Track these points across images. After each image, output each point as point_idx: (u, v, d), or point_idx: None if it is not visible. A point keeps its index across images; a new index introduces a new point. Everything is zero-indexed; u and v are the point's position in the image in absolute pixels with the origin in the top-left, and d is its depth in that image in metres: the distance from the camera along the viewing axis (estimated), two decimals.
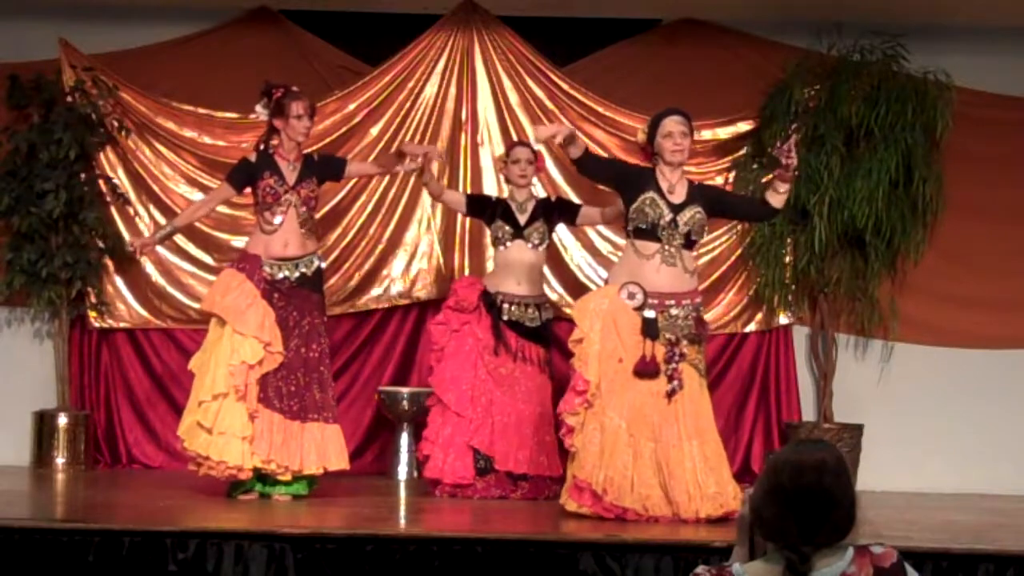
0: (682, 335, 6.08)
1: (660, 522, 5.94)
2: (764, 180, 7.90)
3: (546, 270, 7.90)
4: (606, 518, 5.95)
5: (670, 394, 6.03)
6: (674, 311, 6.08)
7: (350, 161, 7.12)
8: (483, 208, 7.29)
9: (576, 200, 7.61)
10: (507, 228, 7.15)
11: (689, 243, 6.16)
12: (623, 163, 6.45)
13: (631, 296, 6.04)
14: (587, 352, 6.03)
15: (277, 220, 6.65)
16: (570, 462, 6.16)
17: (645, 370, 6.01)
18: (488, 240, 7.55)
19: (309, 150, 7.05)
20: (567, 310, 7.94)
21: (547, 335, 7.23)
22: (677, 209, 6.13)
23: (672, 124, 6.17)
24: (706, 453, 6.07)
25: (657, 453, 6.02)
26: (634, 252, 6.15)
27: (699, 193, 6.24)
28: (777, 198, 6.18)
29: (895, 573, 2.63)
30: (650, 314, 6.04)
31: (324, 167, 6.84)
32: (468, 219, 7.96)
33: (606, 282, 6.36)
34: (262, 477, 6.59)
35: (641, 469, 5.99)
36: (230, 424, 6.43)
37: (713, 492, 5.99)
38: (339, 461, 6.67)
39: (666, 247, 6.10)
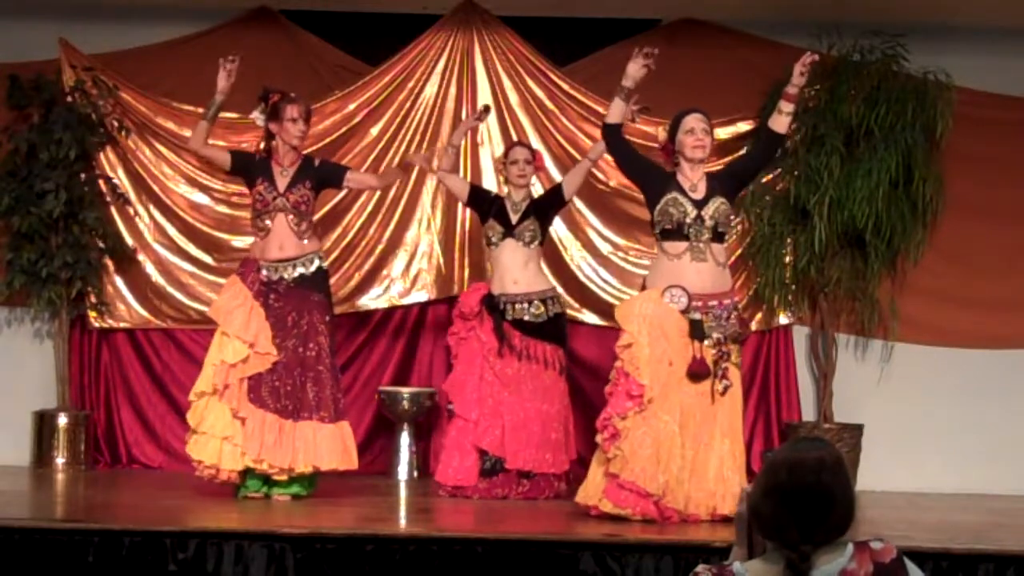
0: (727, 335, 6.12)
1: (678, 522, 5.96)
2: (764, 180, 7.92)
3: (546, 270, 7.89)
4: (653, 518, 5.95)
5: (722, 393, 6.08)
6: (718, 311, 6.12)
7: (352, 170, 7.09)
8: (481, 202, 7.32)
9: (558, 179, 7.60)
10: (498, 228, 7.17)
11: (717, 236, 6.19)
12: (650, 160, 6.46)
13: (675, 299, 6.07)
14: (637, 357, 6.03)
15: (267, 223, 6.68)
16: (604, 463, 6.10)
17: (698, 371, 6.06)
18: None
19: (309, 150, 7.05)
20: (571, 311, 7.95)
21: (557, 331, 7.19)
22: (700, 204, 6.18)
23: (694, 121, 6.25)
24: (735, 452, 6.14)
25: (687, 452, 6.05)
26: (664, 255, 6.21)
27: (718, 183, 6.28)
28: (780, 120, 6.21)
29: (895, 568, 2.64)
30: (696, 316, 6.08)
31: (323, 173, 6.84)
32: (468, 220, 7.97)
33: (643, 287, 6.37)
34: (265, 478, 6.59)
35: (683, 472, 6.04)
36: (212, 424, 6.46)
37: (737, 491, 6.01)
38: (332, 460, 6.63)
39: (694, 243, 6.14)
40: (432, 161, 7.25)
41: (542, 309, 7.12)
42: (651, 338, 6.03)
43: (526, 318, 7.09)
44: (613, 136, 6.34)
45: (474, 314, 7.11)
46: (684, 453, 6.04)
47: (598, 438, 6.14)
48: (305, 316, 6.67)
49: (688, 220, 6.15)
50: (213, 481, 6.54)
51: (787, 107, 6.18)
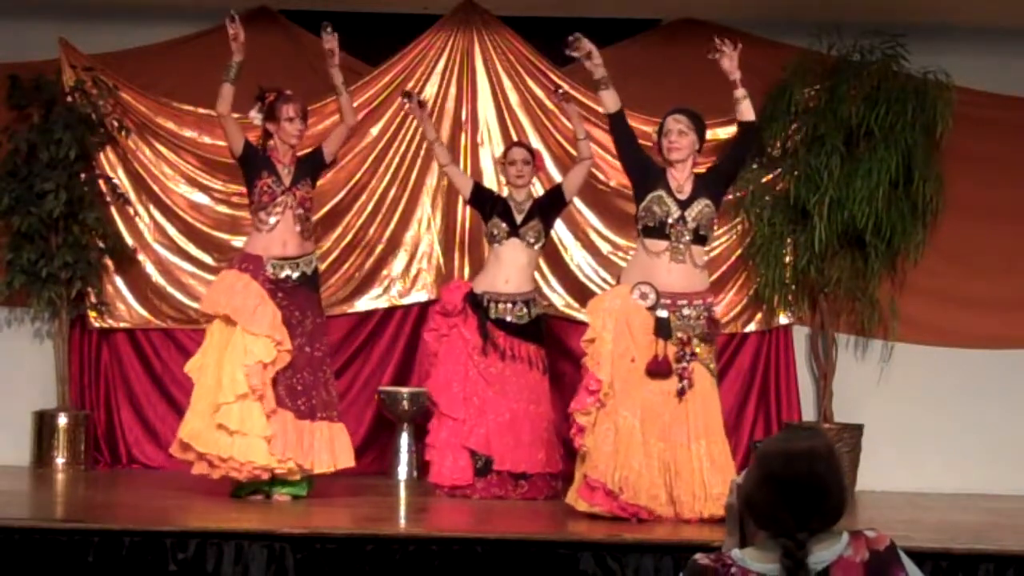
0: (694, 334, 6.13)
1: (663, 522, 5.96)
2: (764, 180, 7.93)
3: (546, 270, 7.91)
4: (620, 517, 5.98)
5: (680, 393, 6.07)
6: (686, 311, 6.14)
7: (325, 144, 7.02)
8: (484, 201, 7.32)
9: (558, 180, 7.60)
10: (503, 226, 7.17)
11: (698, 238, 6.21)
12: (648, 156, 6.48)
13: (643, 296, 6.10)
14: (599, 352, 6.07)
15: (272, 220, 6.68)
16: (580, 462, 6.18)
17: (658, 370, 6.06)
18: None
19: (308, 151, 7.06)
20: (566, 310, 7.96)
21: (539, 332, 7.21)
22: (684, 205, 6.20)
23: (671, 122, 6.30)
24: (713, 453, 6.11)
25: (665, 453, 6.05)
26: (644, 251, 6.25)
27: (703, 184, 6.31)
28: (741, 108, 6.27)
29: (889, 556, 2.66)
30: (663, 314, 6.09)
31: (310, 162, 6.87)
32: (468, 220, 7.97)
33: (618, 282, 6.40)
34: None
35: (651, 469, 6.02)
36: (252, 425, 6.44)
37: (717, 492, 6.00)
38: (347, 459, 6.70)
39: (675, 243, 6.16)
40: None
41: (525, 311, 7.13)
42: (616, 333, 6.07)
43: (508, 318, 7.10)
44: (619, 123, 6.40)
45: (457, 311, 7.12)
46: (649, 451, 6.03)
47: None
48: (308, 316, 6.71)
49: (671, 220, 6.18)
50: (251, 480, 6.52)
51: (737, 92, 6.27)
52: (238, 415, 6.45)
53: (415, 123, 8.10)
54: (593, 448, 6.04)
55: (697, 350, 6.14)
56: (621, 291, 6.20)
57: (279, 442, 6.48)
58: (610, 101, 6.37)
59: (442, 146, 7.44)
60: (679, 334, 6.11)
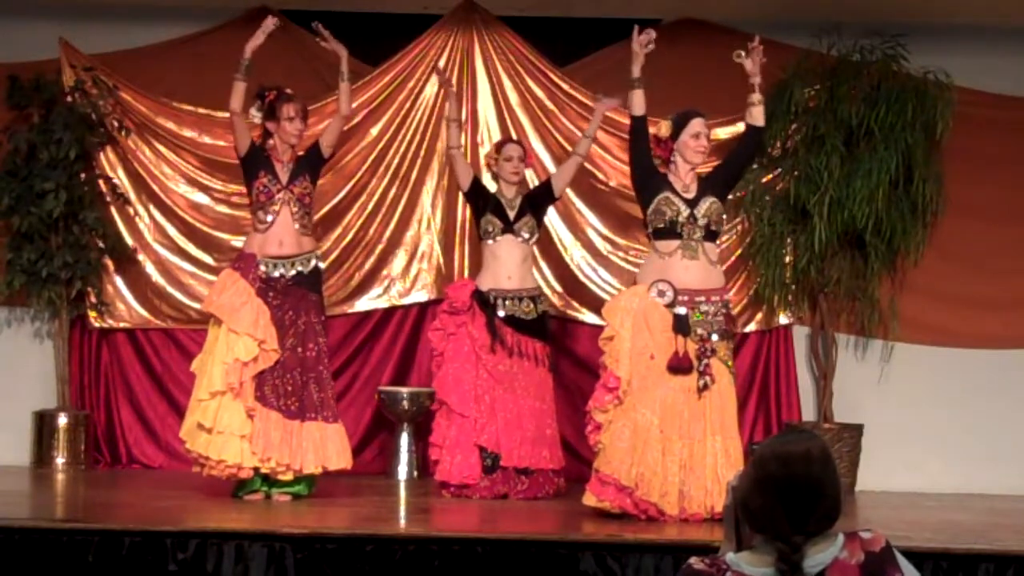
0: (713, 331, 6.16)
1: (666, 521, 5.97)
2: (764, 180, 7.93)
3: (546, 270, 7.93)
4: (630, 513, 5.99)
5: (701, 389, 6.11)
6: (704, 307, 6.18)
7: (321, 137, 6.97)
8: (478, 197, 7.31)
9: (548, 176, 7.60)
10: (497, 223, 7.17)
11: (710, 234, 6.25)
12: (653, 161, 6.51)
13: (661, 293, 6.15)
14: (618, 349, 6.11)
15: (269, 218, 6.68)
16: (595, 458, 6.20)
17: (679, 366, 6.10)
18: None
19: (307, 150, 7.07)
20: (566, 309, 7.97)
21: (544, 329, 7.22)
22: (693, 203, 6.26)
23: (700, 125, 6.39)
24: (728, 449, 6.16)
25: (683, 450, 6.08)
26: (656, 253, 6.31)
27: (708, 183, 6.37)
28: (754, 112, 6.35)
29: (885, 557, 2.65)
30: (681, 311, 6.13)
31: (308, 158, 6.86)
32: (468, 219, 7.97)
33: (634, 283, 6.44)
34: (265, 477, 6.59)
35: (668, 466, 6.05)
36: (229, 422, 6.45)
37: None
38: (339, 460, 6.68)
39: (687, 241, 6.21)
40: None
41: (532, 307, 7.15)
42: (634, 331, 6.11)
43: (518, 315, 7.10)
44: (642, 127, 6.43)
45: (465, 309, 7.11)
46: (670, 448, 6.07)
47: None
48: (302, 316, 6.68)
49: (681, 219, 6.23)
50: (234, 479, 6.54)
51: (753, 96, 6.34)
52: (214, 413, 6.46)
53: (415, 123, 8.12)
54: (608, 445, 6.08)
55: (716, 347, 6.17)
56: (638, 290, 6.25)
57: (260, 441, 6.48)
58: (642, 101, 6.42)
59: (459, 130, 7.46)
60: (699, 331, 6.15)
